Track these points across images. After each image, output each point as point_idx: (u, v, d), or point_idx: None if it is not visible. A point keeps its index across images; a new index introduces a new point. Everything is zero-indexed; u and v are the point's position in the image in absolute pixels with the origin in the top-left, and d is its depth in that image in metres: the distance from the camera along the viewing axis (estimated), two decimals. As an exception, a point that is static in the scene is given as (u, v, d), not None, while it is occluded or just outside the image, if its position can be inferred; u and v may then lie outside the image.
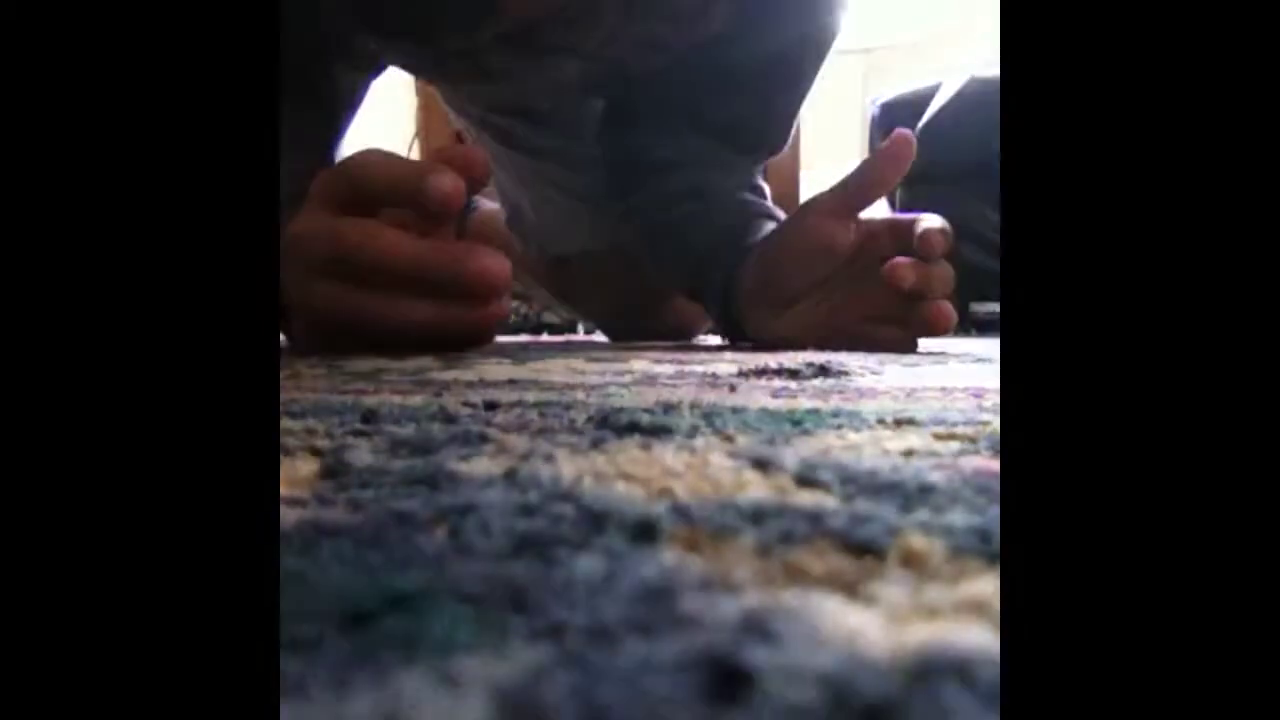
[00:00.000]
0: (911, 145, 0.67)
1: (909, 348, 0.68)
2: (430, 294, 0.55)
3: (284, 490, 0.17)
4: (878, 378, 0.40)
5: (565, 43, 0.74)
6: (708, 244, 0.78)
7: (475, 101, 0.97)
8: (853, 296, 0.69)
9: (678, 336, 0.95)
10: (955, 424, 0.24)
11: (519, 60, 0.77)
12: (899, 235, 0.67)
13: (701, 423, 0.24)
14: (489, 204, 1.04)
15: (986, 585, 0.11)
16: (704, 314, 0.92)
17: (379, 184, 0.53)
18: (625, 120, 0.85)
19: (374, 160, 0.54)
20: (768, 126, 0.84)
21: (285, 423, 0.25)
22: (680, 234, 0.79)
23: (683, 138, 0.82)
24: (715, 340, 0.97)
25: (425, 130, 1.58)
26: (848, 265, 0.69)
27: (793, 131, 0.86)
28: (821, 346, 0.67)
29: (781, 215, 0.79)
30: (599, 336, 1.05)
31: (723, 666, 0.09)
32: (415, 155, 1.30)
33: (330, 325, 0.56)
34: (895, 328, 0.68)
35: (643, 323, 0.95)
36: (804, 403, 0.30)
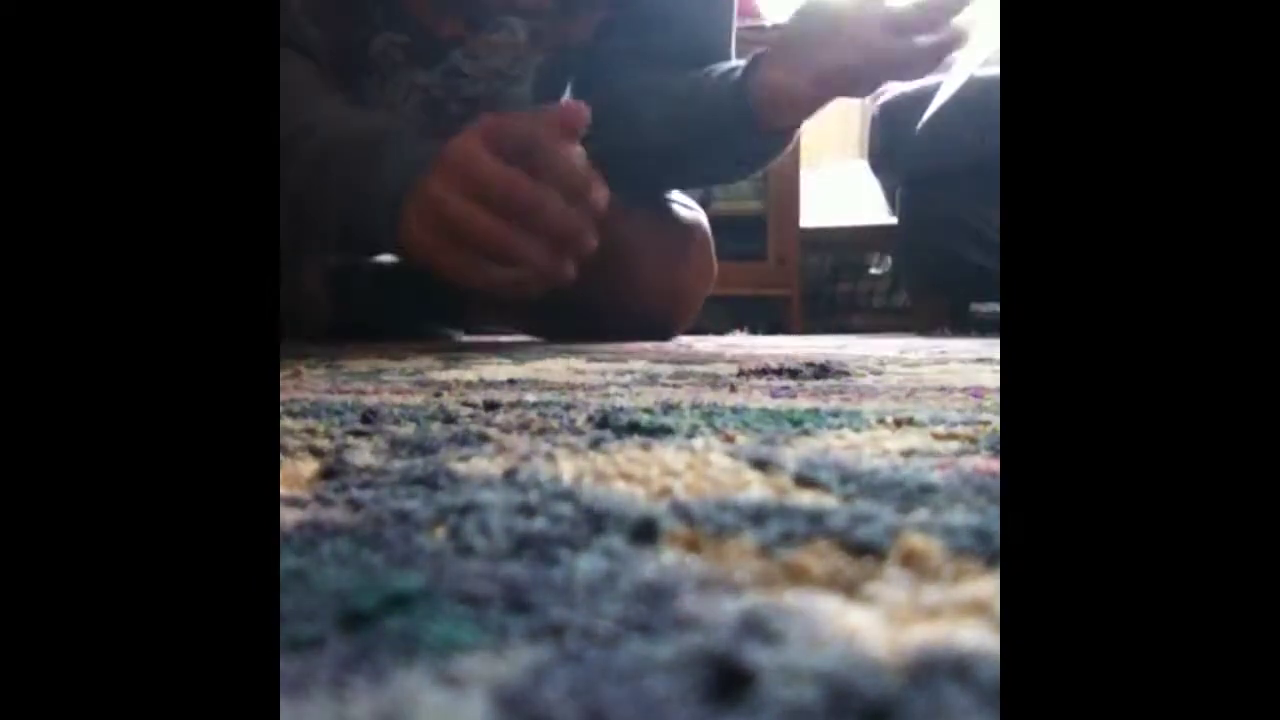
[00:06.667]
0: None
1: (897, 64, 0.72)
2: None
3: (284, 490, 0.17)
4: (878, 378, 0.40)
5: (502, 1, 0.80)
6: (713, 74, 0.81)
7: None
8: (851, 43, 0.73)
9: (654, 329, 0.92)
10: (955, 424, 0.24)
11: (470, 27, 0.82)
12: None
13: (701, 423, 0.24)
14: None
15: (986, 585, 0.11)
16: (681, 300, 0.92)
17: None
18: (592, 88, 0.89)
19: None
20: (722, 36, 0.90)
21: (285, 423, 0.25)
22: (676, 102, 0.83)
23: (652, 74, 0.86)
24: (701, 342, 0.96)
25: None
26: (840, 21, 0.74)
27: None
28: (821, 89, 0.73)
29: None
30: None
31: (723, 666, 0.09)
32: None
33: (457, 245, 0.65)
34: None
35: (618, 314, 0.93)
36: (804, 403, 0.30)
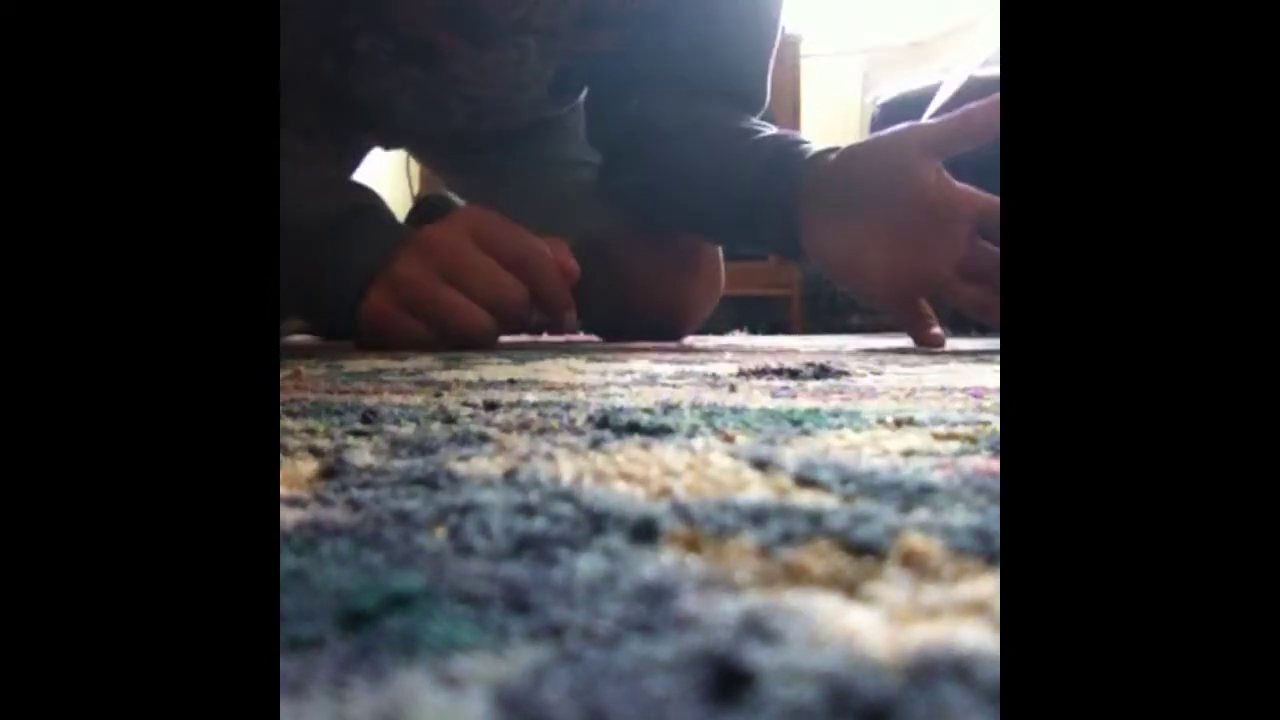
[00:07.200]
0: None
1: (990, 315, 0.65)
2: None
3: (284, 490, 0.17)
4: (878, 378, 0.40)
5: (512, 14, 0.78)
6: (761, 162, 0.75)
7: (447, 156, 1.05)
8: (936, 241, 0.66)
9: (663, 335, 0.92)
10: (955, 424, 0.24)
11: (477, 44, 0.81)
12: (986, 214, 0.65)
13: (701, 423, 0.24)
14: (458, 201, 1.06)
15: (986, 585, 0.11)
16: (690, 311, 0.91)
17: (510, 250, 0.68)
18: (614, 99, 0.86)
19: (506, 227, 0.69)
20: (755, 78, 0.85)
21: (285, 423, 0.25)
22: (717, 171, 0.77)
23: (684, 105, 0.81)
24: (709, 341, 0.96)
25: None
26: (927, 205, 0.66)
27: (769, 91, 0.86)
28: (894, 288, 0.67)
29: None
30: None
31: (723, 666, 0.09)
32: (414, 170, 1.29)
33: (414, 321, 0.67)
34: (984, 288, 0.65)
35: (626, 321, 0.92)
36: (804, 403, 0.30)
